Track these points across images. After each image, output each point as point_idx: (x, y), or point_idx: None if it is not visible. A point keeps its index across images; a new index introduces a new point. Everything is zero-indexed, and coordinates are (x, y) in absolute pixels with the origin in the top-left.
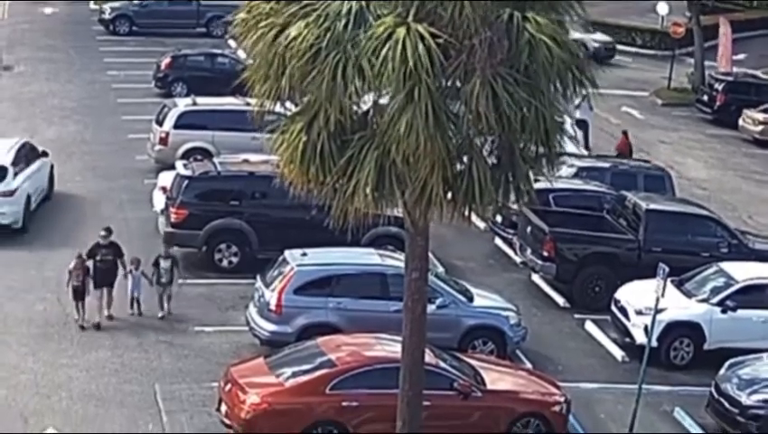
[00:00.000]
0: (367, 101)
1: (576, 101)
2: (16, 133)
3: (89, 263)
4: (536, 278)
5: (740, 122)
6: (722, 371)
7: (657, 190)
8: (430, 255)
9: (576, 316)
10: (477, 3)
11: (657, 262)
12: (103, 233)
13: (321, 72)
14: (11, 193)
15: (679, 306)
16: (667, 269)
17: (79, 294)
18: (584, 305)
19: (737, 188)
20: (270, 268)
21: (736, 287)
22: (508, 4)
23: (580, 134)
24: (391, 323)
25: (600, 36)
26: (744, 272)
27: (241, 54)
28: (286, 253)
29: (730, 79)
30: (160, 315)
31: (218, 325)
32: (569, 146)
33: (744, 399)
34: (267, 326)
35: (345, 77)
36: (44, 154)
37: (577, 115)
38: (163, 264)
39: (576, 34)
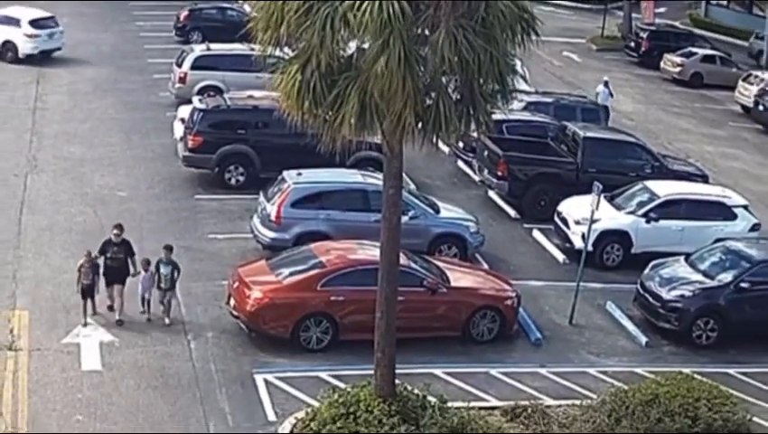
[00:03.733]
0: (351, 47)
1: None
2: (59, 72)
3: (100, 261)
4: (492, 194)
5: (661, 64)
6: (646, 271)
7: (592, 121)
8: (404, 174)
9: (525, 225)
10: None
11: (592, 181)
12: (116, 231)
13: (313, 23)
14: None
15: (610, 217)
16: (600, 187)
17: (88, 293)
18: (531, 216)
19: (659, 119)
20: (271, 185)
21: (658, 201)
22: None
23: (602, 115)
24: (371, 231)
25: None
26: (664, 189)
27: (247, 8)
28: (284, 173)
29: (653, 28)
30: (167, 321)
31: (227, 233)
32: (520, 84)
33: (665, 294)
34: (269, 234)
35: (333, 27)
36: None
37: (599, 101)
38: (164, 270)
39: None
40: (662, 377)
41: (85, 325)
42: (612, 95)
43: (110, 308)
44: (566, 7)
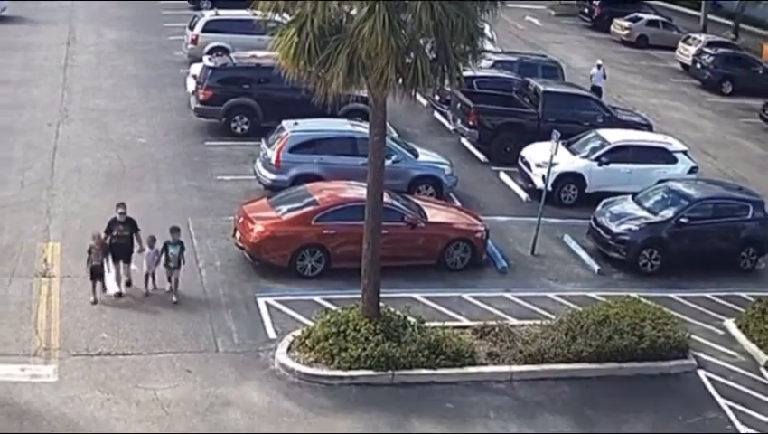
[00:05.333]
0: (341, 12)
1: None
2: (86, 34)
3: (107, 240)
4: (464, 141)
5: (611, 28)
6: (598, 208)
7: (551, 77)
8: (387, 124)
9: (493, 168)
10: None
11: (551, 129)
12: (120, 210)
13: None
14: None
15: (567, 161)
16: (558, 134)
17: (97, 274)
18: (498, 160)
19: (610, 75)
20: (271, 133)
21: (609, 147)
22: None
23: (596, 95)
24: (359, 173)
25: None
26: (614, 136)
27: None
28: (283, 122)
29: None
30: (174, 299)
31: (233, 174)
32: (488, 45)
33: (614, 228)
34: (269, 176)
35: None
36: None
37: (593, 82)
38: (172, 250)
39: None
40: (612, 300)
41: (95, 302)
42: (605, 77)
43: (119, 296)
44: None
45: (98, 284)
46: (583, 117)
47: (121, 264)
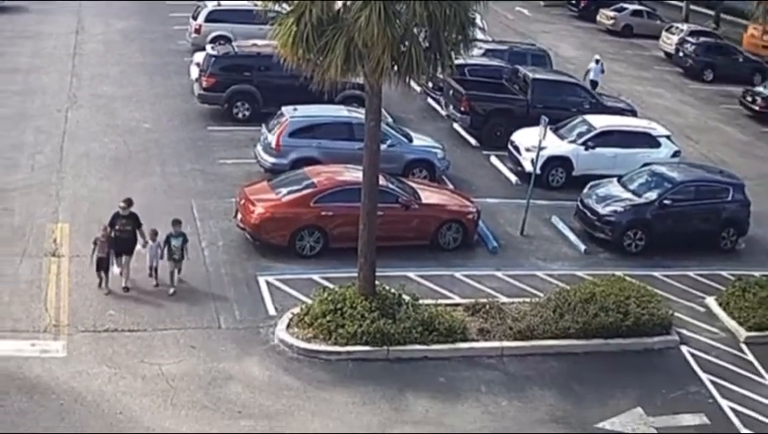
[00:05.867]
0: (338, 3)
1: (591, 65)
2: (94, 24)
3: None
4: (456, 126)
5: (597, 18)
6: (585, 190)
7: (540, 64)
8: (382, 110)
9: (484, 152)
10: None
11: (540, 115)
12: (123, 204)
13: None
14: None
15: (555, 146)
16: (547, 120)
17: (103, 265)
18: (489, 144)
19: None
20: (271, 118)
21: (595, 132)
22: None
23: (590, 87)
24: (355, 157)
25: None
26: (600, 121)
27: None
28: (283, 108)
29: None
30: (171, 291)
31: (235, 158)
32: (479, 34)
33: (600, 209)
34: (269, 159)
35: None
36: None
37: (590, 76)
38: (174, 242)
39: None
40: (598, 279)
41: (108, 293)
42: (603, 71)
43: (126, 289)
44: None
45: (104, 275)
46: (570, 104)
47: (123, 257)
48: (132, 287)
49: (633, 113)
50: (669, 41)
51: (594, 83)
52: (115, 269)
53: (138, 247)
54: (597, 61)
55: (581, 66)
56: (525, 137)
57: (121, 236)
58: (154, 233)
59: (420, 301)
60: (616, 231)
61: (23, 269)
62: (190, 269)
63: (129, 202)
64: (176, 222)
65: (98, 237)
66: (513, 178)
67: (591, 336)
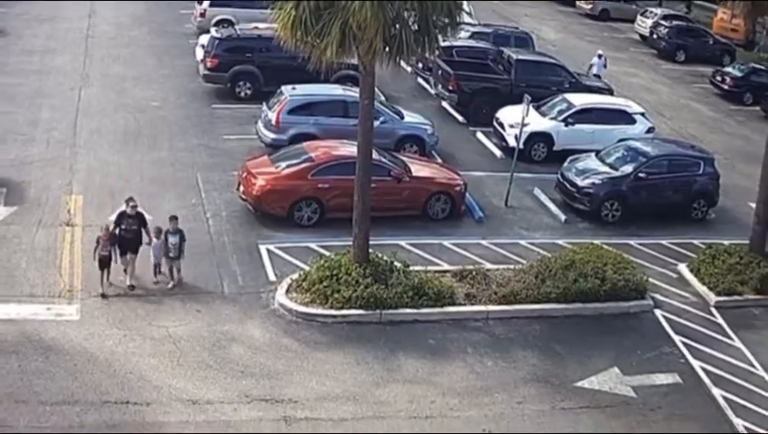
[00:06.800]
0: None
1: (594, 60)
2: (106, 8)
3: (115, 232)
4: (444, 104)
5: (577, 3)
6: (565, 164)
7: (523, 46)
8: (375, 88)
9: (471, 128)
10: None
11: (523, 93)
12: (131, 204)
13: None
14: None
15: (537, 122)
16: (529, 98)
17: (105, 263)
18: (475, 121)
19: (575, 46)
20: (272, 97)
21: (574, 109)
22: None
23: (596, 80)
24: (350, 133)
25: None
26: (579, 100)
27: None
28: (282, 87)
29: None
30: (170, 285)
31: (238, 134)
32: (466, 18)
33: (579, 182)
34: (270, 135)
35: None
36: None
37: (594, 71)
38: (172, 239)
39: None
40: (577, 247)
41: (104, 296)
42: (605, 66)
43: (126, 272)
44: None
45: (106, 273)
46: (551, 83)
47: (128, 256)
48: (137, 285)
49: (610, 92)
50: (643, 24)
51: (597, 77)
52: (119, 263)
53: (144, 245)
54: (600, 56)
55: (562, 48)
56: (509, 115)
57: (126, 235)
58: (159, 231)
59: (411, 268)
60: (594, 202)
61: (40, 238)
62: (195, 238)
63: (135, 201)
64: (173, 218)
65: (101, 235)
66: (498, 153)
67: (570, 301)
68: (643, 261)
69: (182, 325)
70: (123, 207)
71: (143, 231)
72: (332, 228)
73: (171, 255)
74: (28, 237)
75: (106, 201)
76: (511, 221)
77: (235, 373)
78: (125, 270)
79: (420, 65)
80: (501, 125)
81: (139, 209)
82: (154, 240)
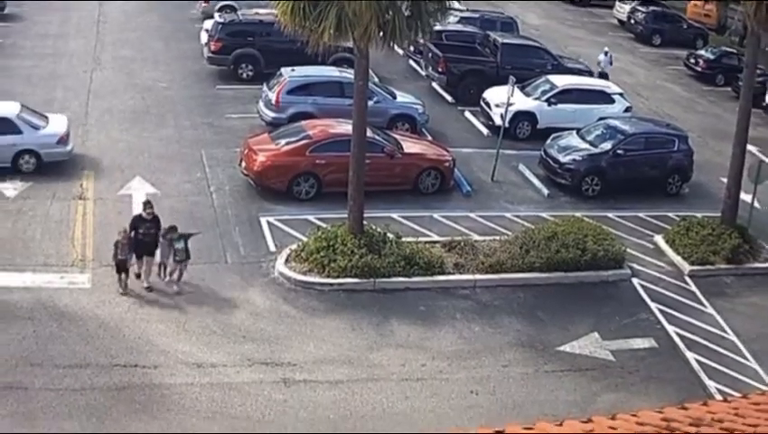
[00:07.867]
0: None
1: (601, 57)
2: None
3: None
4: (434, 85)
5: None
6: (548, 141)
7: (508, 31)
8: (369, 70)
9: (459, 108)
10: None
11: (508, 75)
12: (148, 209)
13: None
14: None
15: (521, 102)
16: (514, 79)
17: (123, 267)
18: (464, 101)
19: (557, 30)
20: (272, 78)
21: (557, 90)
22: None
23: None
24: (346, 112)
25: None
26: (561, 81)
27: None
28: (282, 69)
29: None
30: (175, 288)
31: (240, 113)
32: (455, 4)
33: (561, 158)
34: (270, 114)
35: None
36: None
37: (600, 68)
38: (177, 245)
39: None
40: (559, 219)
41: (125, 292)
42: (611, 63)
43: (138, 276)
44: None
45: (124, 276)
46: (535, 65)
47: (145, 259)
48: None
49: (590, 73)
50: (621, 9)
51: (604, 76)
52: (135, 269)
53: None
54: (606, 53)
55: (545, 32)
56: (495, 95)
57: (144, 239)
58: (166, 231)
59: (403, 239)
60: (575, 178)
61: (53, 211)
62: (199, 211)
63: (152, 205)
64: (172, 229)
65: (119, 240)
66: (485, 131)
67: (553, 270)
68: (621, 233)
69: (187, 293)
70: (139, 211)
71: (159, 234)
72: (328, 201)
73: (177, 258)
74: (43, 210)
75: (116, 176)
76: (497, 195)
77: (237, 338)
78: (137, 275)
79: (412, 48)
80: (488, 104)
81: (155, 212)
82: (161, 239)
